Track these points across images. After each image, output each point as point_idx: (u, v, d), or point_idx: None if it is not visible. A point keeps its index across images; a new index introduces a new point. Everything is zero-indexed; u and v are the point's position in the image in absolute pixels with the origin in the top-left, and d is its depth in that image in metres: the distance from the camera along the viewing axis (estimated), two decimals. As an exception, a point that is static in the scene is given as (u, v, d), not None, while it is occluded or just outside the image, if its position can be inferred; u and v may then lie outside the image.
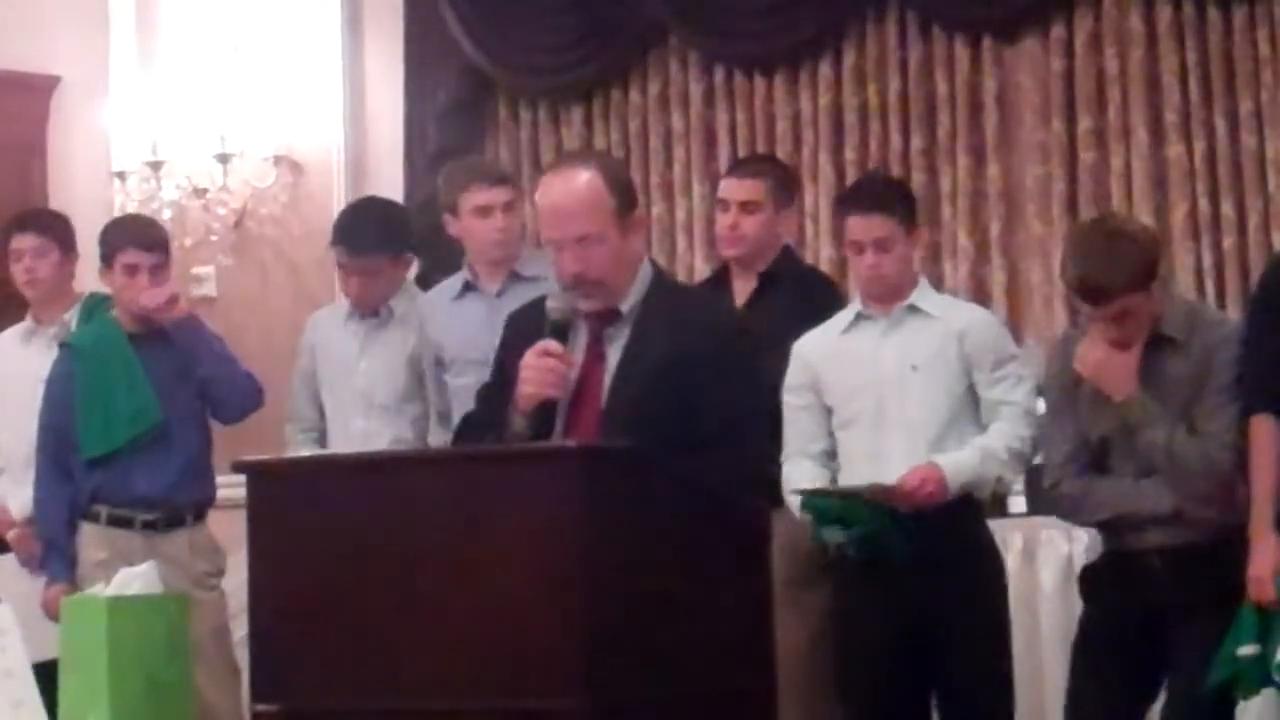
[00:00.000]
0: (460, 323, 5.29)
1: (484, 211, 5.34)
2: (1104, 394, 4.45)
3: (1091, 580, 4.68)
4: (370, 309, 5.56)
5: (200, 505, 5.60)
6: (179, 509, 5.55)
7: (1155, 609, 4.44)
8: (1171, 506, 4.40)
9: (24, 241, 5.97)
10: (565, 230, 3.97)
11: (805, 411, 4.78)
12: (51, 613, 5.23)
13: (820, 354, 4.80)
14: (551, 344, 3.92)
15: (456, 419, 5.14)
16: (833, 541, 4.60)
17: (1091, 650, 4.57)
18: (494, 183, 5.38)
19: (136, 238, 5.65)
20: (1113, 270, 4.34)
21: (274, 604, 3.82)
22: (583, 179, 3.99)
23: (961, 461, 4.58)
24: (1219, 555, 4.37)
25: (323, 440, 5.56)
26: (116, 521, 5.53)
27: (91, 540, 5.55)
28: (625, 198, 4.03)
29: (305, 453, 5.45)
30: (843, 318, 4.85)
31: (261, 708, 3.82)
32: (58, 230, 6.03)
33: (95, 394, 5.58)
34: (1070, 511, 4.65)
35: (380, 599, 3.67)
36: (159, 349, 5.61)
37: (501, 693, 3.54)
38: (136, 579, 4.30)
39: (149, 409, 5.55)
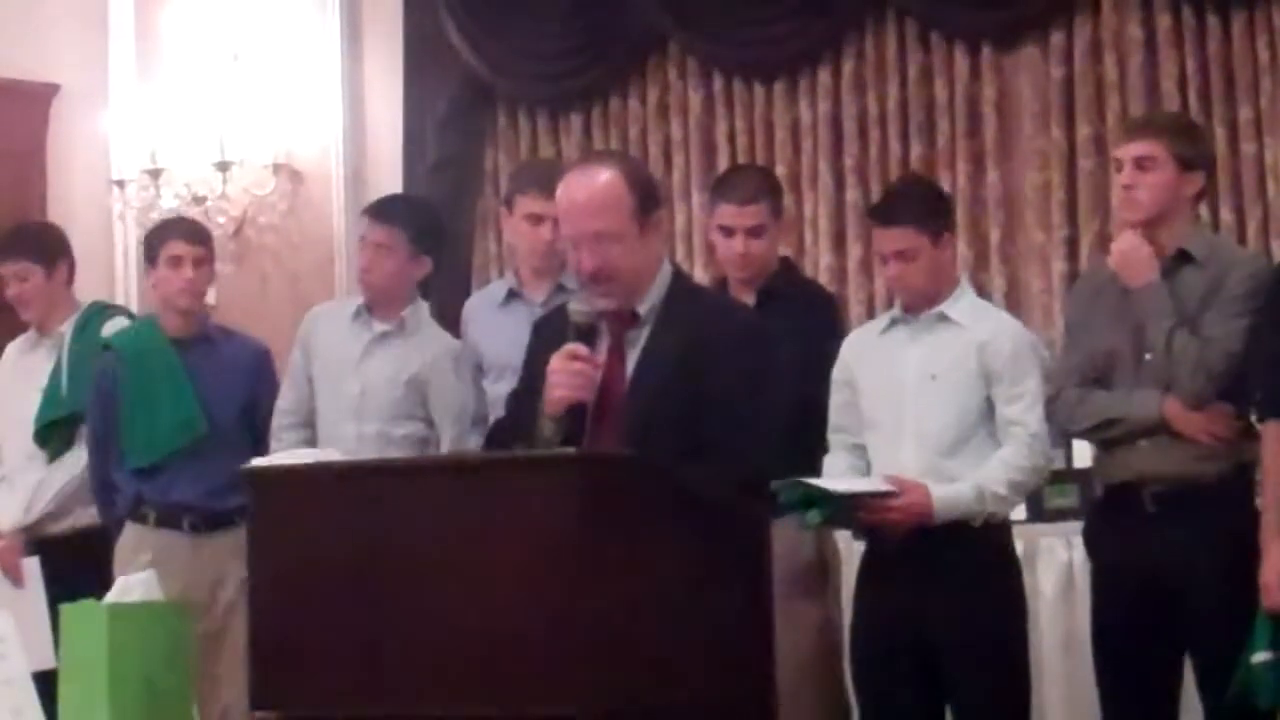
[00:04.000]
0: (503, 330, 5.24)
1: (535, 219, 5.29)
2: (1119, 310, 4.60)
3: (1091, 534, 4.77)
4: (372, 292, 5.46)
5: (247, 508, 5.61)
6: (226, 511, 5.54)
7: (1158, 573, 4.48)
8: (1158, 412, 4.52)
9: (7, 267, 5.99)
10: (582, 227, 3.99)
11: (845, 407, 4.80)
12: None
13: (857, 353, 4.82)
14: (579, 347, 3.93)
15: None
16: (814, 523, 4.55)
17: (1110, 635, 4.63)
18: (550, 194, 5.33)
19: (180, 231, 5.73)
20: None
21: (273, 611, 3.82)
22: (603, 177, 4.02)
23: (955, 499, 4.54)
24: (1212, 506, 4.47)
25: (312, 439, 5.50)
26: (164, 522, 5.56)
27: (136, 542, 5.58)
28: (646, 198, 4.05)
29: (292, 448, 5.37)
30: (883, 319, 4.88)
31: (261, 715, 3.82)
32: (35, 248, 6.02)
33: (139, 403, 5.60)
34: (1066, 419, 4.70)
35: (380, 606, 3.66)
36: (204, 354, 5.64)
37: (501, 700, 3.54)
38: (137, 586, 4.30)
39: (193, 420, 5.57)
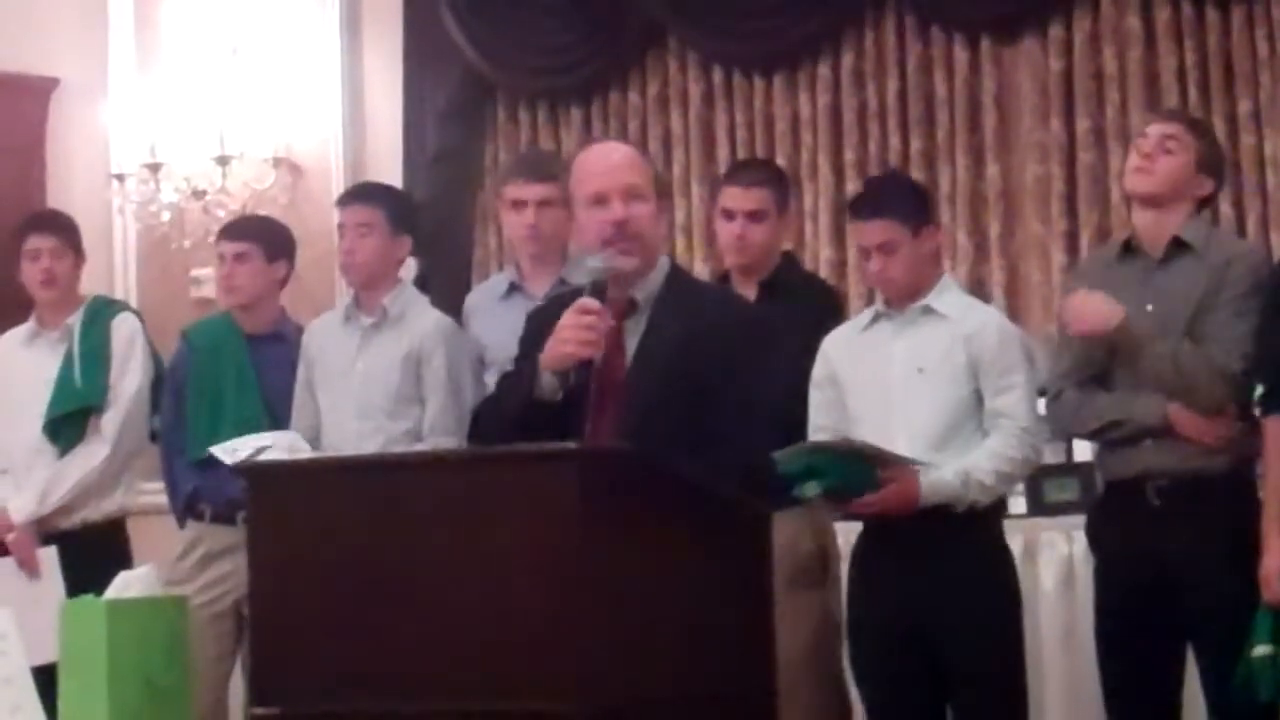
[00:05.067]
0: (504, 324, 5.22)
1: (517, 206, 5.35)
2: (1115, 299, 4.60)
3: (1095, 528, 4.78)
4: (358, 276, 5.48)
5: None
6: None
7: (1161, 567, 4.49)
8: (1162, 416, 4.52)
9: (43, 242, 5.96)
10: (616, 179, 4.03)
11: (828, 405, 4.78)
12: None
13: (840, 350, 4.81)
14: (591, 303, 3.91)
15: None
16: (811, 495, 4.54)
17: (1111, 626, 4.65)
18: (530, 178, 5.35)
19: (225, 231, 5.83)
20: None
21: (273, 607, 3.81)
22: (625, 148, 4.19)
23: (941, 484, 4.53)
24: (1216, 500, 4.49)
25: (318, 444, 5.52)
26: (218, 518, 5.59)
27: (193, 537, 5.63)
28: (659, 179, 4.17)
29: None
30: (865, 315, 4.87)
31: (260, 711, 3.81)
32: (73, 233, 6.06)
33: (204, 396, 5.66)
34: (1068, 421, 4.73)
35: (379, 601, 3.66)
36: (274, 350, 5.68)
37: (501, 694, 3.54)
38: (136, 582, 4.30)
39: (256, 419, 5.58)
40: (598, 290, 3.95)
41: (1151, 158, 4.64)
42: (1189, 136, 4.68)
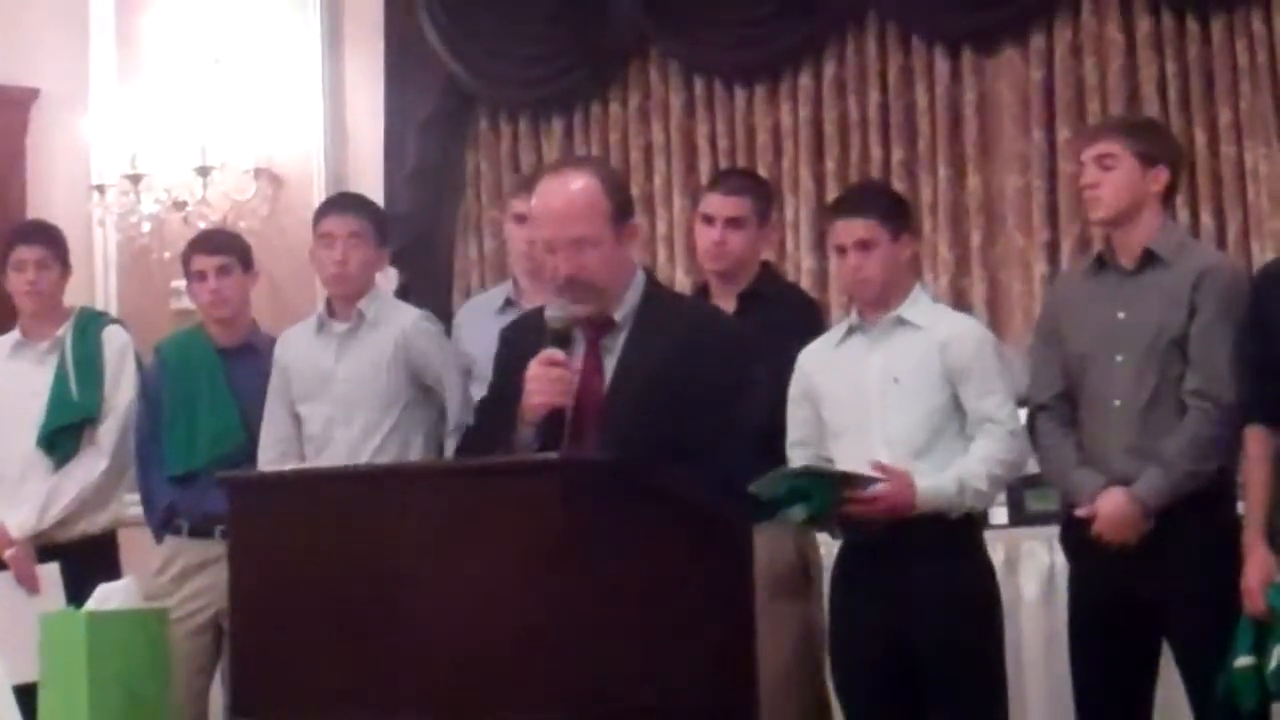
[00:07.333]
0: (494, 338, 5.24)
1: (520, 219, 5.32)
2: (1088, 309, 4.66)
3: (1070, 536, 4.76)
4: (346, 286, 5.45)
5: None
6: None
7: (1139, 577, 4.49)
8: (1091, 508, 4.54)
9: (30, 253, 5.91)
10: (559, 232, 4.00)
11: (805, 421, 4.78)
12: None
13: (815, 365, 4.80)
14: (556, 353, 3.94)
15: None
16: (797, 520, 4.55)
17: (1084, 634, 4.65)
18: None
19: (198, 245, 5.79)
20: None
21: (254, 619, 3.81)
22: (579, 183, 4.05)
23: (937, 492, 4.52)
24: (1194, 510, 4.48)
25: (299, 457, 5.49)
26: (196, 532, 5.56)
27: (171, 552, 5.60)
28: (621, 205, 4.08)
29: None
30: (839, 329, 4.86)
31: (241, 723, 3.82)
32: (60, 245, 6.02)
33: (180, 410, 5.63)
34: (1034, 449, 4.76)
35: (362, 612, 3.66)
36: (248, 363, 5.64)
37: (483, 707, 3.54)
38: (116, 594, 4.29)
39: (232, 430, 5.57)
40: (559, 339, 3.98)
41: (1095, 184, 4.66)
42: (1122, 143, 4.66)
